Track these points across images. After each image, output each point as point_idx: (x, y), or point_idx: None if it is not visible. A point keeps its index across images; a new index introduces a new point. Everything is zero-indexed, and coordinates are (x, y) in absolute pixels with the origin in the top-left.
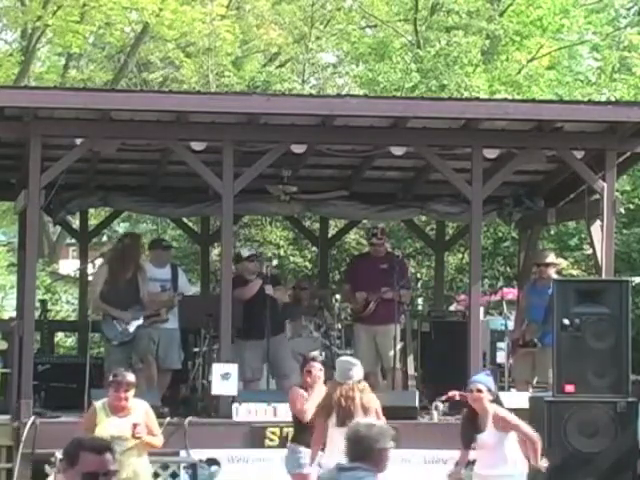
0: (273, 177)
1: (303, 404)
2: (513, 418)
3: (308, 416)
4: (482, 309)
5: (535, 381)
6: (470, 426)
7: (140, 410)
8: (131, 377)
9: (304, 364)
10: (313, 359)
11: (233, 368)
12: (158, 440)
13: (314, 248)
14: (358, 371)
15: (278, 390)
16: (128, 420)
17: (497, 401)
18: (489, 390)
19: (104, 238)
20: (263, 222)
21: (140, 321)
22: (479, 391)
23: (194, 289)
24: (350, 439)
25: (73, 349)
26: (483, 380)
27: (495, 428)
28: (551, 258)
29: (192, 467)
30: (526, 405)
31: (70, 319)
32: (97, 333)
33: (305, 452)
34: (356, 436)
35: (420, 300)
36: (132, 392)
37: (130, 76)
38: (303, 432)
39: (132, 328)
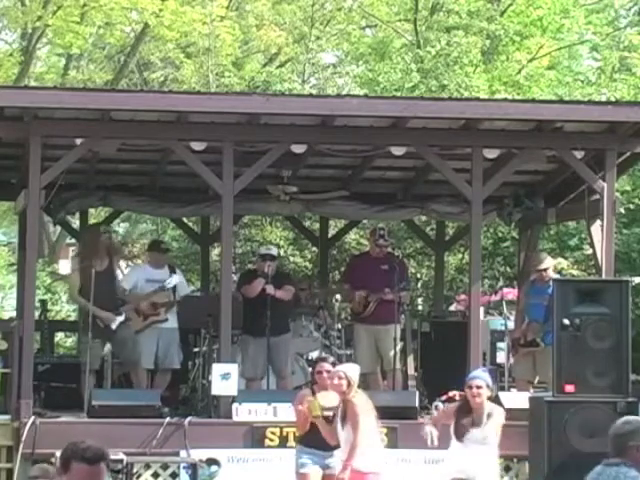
0: (273, 177)
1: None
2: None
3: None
4: (482, 309)
5: (536, 381)
6: (465, 419)
7: None
8: None
9: (314, 366)
10: (323, 359)
11: (233, 368)
12: None
13: (314, 248)
14: None
15: (278, 390)
16: None
17: (496, 399)
18: (488, 386)
19: None
20: (263, 222)
21: (122, 318)
22: (479, 387)
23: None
24: (610, 437)
25: (73, 349)
26: (482, 376)
27: (490, 426)
28: (547, 263)
29: (192, 467)
30: (526, 405)
31: (70, 319)
32: None
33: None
34: (614, 434)
35: (420, 300)
36: None
37: (130, 76)
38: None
39: (114, 325)
